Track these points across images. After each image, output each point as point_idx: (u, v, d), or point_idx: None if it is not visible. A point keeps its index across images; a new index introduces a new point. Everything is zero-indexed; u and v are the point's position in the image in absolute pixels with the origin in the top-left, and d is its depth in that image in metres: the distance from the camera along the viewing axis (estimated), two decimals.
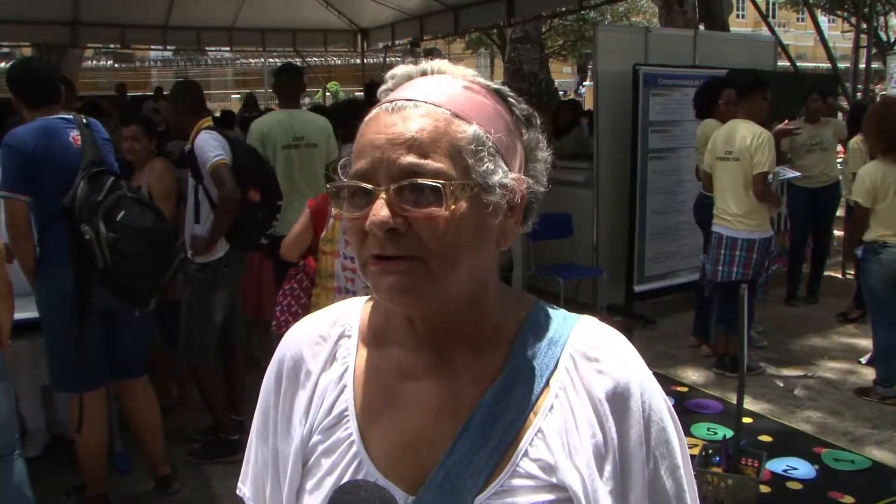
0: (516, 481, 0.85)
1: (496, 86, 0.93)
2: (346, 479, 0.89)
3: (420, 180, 0.82)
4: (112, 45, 14.58)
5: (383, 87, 0.93)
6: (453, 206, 0.82)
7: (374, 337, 0.97)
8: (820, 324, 6.33)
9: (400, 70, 0.93)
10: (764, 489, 2.32)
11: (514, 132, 0.91)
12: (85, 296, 3.29)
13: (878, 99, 9.37)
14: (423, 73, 0.93)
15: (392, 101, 0.87)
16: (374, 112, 0.89)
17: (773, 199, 4.90)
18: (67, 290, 3.27)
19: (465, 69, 0.94)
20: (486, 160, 0.85)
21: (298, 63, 11.20)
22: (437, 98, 0.87)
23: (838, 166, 6.89)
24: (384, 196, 0.82)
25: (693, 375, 5.23)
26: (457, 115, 0.86)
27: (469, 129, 0.85)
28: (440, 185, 0.82)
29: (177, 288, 3.78)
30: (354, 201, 0.85)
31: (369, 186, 0.83)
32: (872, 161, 4.79)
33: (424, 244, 0.82)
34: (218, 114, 8.16)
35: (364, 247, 0.85)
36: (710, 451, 2.37)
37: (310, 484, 0.93)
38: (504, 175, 0.87)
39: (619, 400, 0.88)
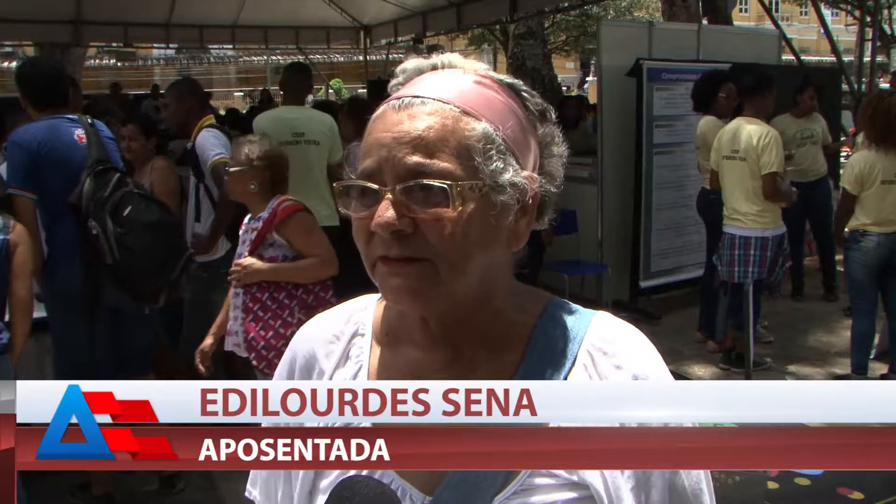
0: (537, 479, 0.84)
1: (509, 80, 0.91)
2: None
3: (426, 180, 0.80)
4: (115, 44, 14.57)
5: (394, 82, 0.92)
6: (461, 207, 0.81)
7: (388, 335, 0.96)
8: (826, 318, 6.31)
9: (410, 64, 0.92)
10: (772, 485, 2.31)
11: (527, 128, 0.89)
12: (94, 294, 3.30)
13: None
14: (434, 68, 0.91)
15: (399, 98, 0.86)
16: (381, 109, 0.87)
17: (785, 198, 4.91)
18: (77, 288, 3.28)
19: (476, 63, 0.92)
20: (495, 158, 0.84)
21: (302, 60, 11.21)
22: (445, 94, 0.85)
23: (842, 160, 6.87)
24: (390, 196, 0.81)
25: (699, 371, 5.22)
26: (466, 112, 0.84)
27: (478, 127, 0.84)
28: (447, 186, 0.80)
29: (183, 287, 3.78)
30: (360, 202, 0.84)
31: (375, 186, 0.82)
32: (863, 150, 4.85)
33: (431, 246, 0.81)
34: (223, 111, 8.16)
35: (370, 247, 0.84)
36: None
37: (324, 483, 0.92)
38: (515, 173, 0.85)
39: None
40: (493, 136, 0.84)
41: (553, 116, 0.93)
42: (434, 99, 0.84)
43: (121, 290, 3.33)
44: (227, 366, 4.31)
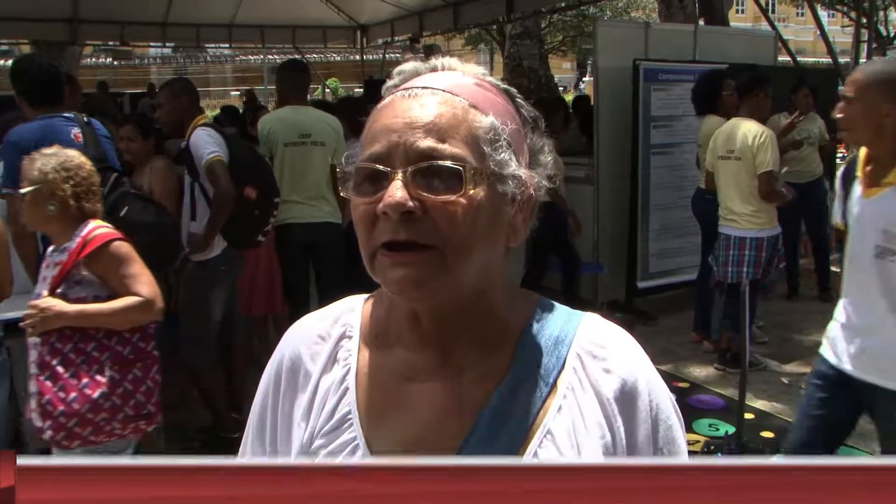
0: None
1: (505, 86, 0.93)
2: None
3: (440, 162, 0.81)
4: (111, 43, 14.52)
5: (390, 83, 0.92)
6: (472, 192, 0.81)
7: (377, 337, 0.95)
8: (822, 318, 6.21)
9: (408, 66, 0.92)
10: None
11: (522, 132, 0.91)
12: None
13: None
14: (433, 70, 0.92)
15: (408, 89, 0.87)
16: (388, 99, 0.88)
17: (781, 198, 4.91)
18: None
19: (475, 67, 0.94)
20: (502, 150, 0.85)
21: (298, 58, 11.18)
22: (452, 88, 0.87)
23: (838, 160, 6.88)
24: (401, 178, 0.81)
25: (695, 371, 5.23)
26: (473, 106, 0.86)
27: (486, 120, 0.85)
28: (460, 169, 0.81)
29: (179, 287, 3.77)
30: (364, 188, 0.84)
31: (385, 169, 0.82)
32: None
33: (440, 232, 0.81)
34: (218, 111, 8.12)
35: (373, 235, 0.83)
36: (713, 448, 2.38)
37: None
38: (517, 167, 0.87)
39: (626, 399, 0.88)
40: (500, 130, 0.86)
41: (543, 126, 0.95)
42: (443, 90, 0.86)
43: None
44: (225, 362, 4.29)
